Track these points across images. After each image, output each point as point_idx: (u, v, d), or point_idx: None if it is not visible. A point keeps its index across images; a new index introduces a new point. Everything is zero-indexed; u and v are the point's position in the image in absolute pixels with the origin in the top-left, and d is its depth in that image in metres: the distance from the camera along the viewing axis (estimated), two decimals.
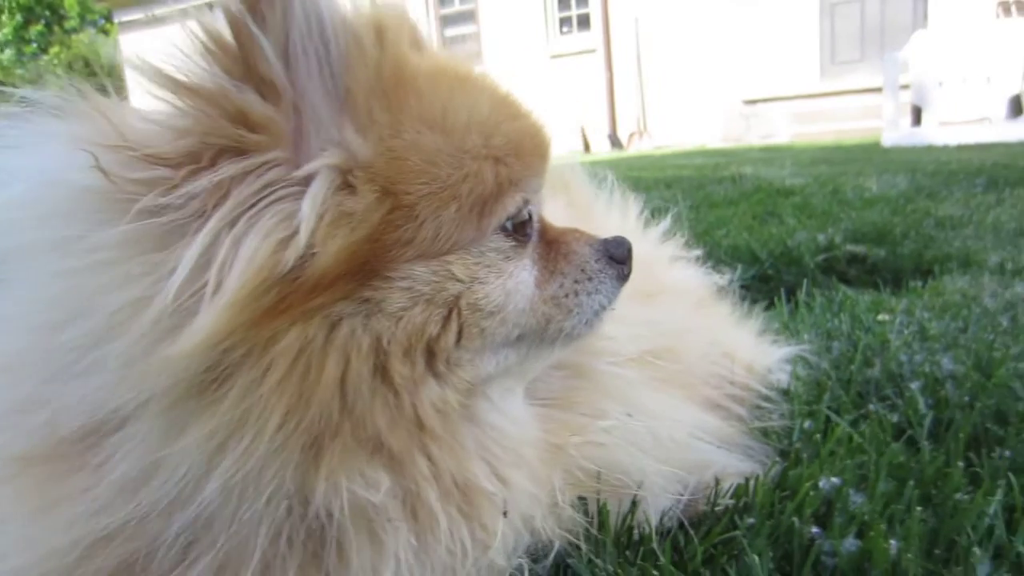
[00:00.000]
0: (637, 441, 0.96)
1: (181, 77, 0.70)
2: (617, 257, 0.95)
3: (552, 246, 0.92)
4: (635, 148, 14.71)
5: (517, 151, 0.85)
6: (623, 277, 0.96)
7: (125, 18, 18.45)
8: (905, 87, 8.83)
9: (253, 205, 0.68)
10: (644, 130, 15.19)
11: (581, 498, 0.92)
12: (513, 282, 0.84)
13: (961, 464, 1.09)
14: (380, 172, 0.71)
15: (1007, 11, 10.43)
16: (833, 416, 1.24)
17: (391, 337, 0.73)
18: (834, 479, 0.98)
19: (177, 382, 0.64)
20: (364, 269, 0.71)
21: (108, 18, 26.50)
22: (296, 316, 0.67)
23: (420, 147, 0.75)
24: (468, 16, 16.27)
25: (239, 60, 0.68)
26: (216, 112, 0.67)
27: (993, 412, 1.35)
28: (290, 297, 0.66)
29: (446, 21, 16.48)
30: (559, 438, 0.93)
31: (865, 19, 13.02)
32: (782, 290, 2.47)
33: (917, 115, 8.58)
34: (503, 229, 0.84)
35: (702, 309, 1.45)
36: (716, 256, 2.89)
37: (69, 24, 33.40)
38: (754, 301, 2.45)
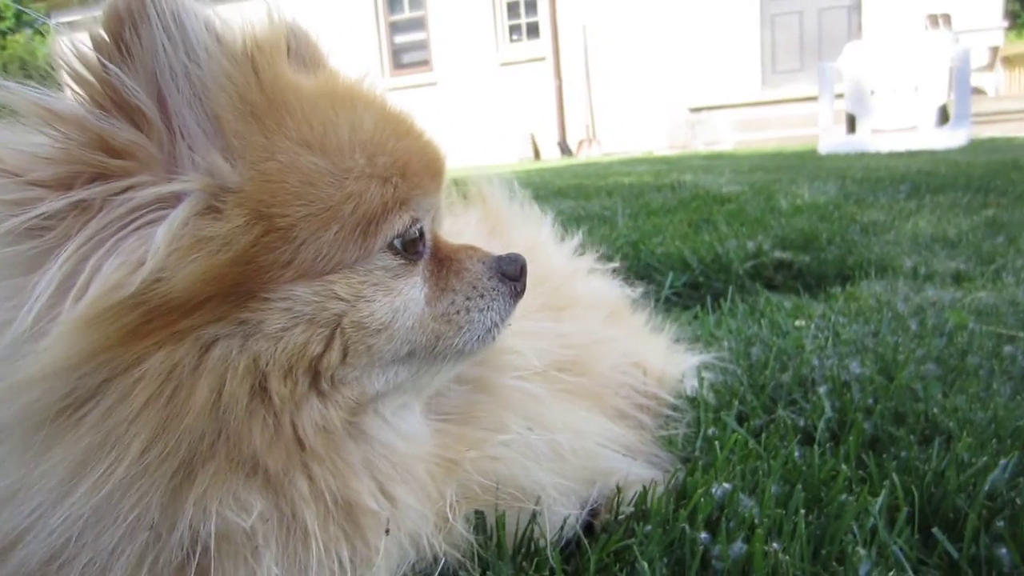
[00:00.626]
0: (535, 455, 0.98)
1: (50, 104, 0.69)
2: (510, 274, 0.96)
3: (444, 263, 0.93)
4: (584, 155, 14.88)
5: (404, 171, 0.85)
6: (517, 294, 0.97)
7: (65, 19, 17.93)
8: (840, 96, 9.13)
9: (121, 228, 0.67)
10: (593, 137, 15.38)
11: (478, 512, 0.93)
12: (401, 300, 0.85)
13: (853, 466, 1.14)
14: (251, 195, 0.71)
15: (935, 23, 10.89)
16: (732, 423, 1.27)
17: (271, 358, 0.73)
18: (726, 484, 1.00)
19: (35, 407, 0.63)
20: (238, 291, 0.71)
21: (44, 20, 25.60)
22: (162, 339, 0.66)
23: (297, 169, 0.75)
24: (417, 23, 16.25)
25: (103, 88, 0.68)
26: (79, 138, 0.67)
27: (892, 414, 1.40)
28: (154, 320, 0.65)
29: (395, 28, 16.43)
30: (455, 453, 0.93)
31: (804, 30, 13.46)
32: (708, 297, 2.53)
33: (852, 123, 8.88)
34: (391, 247, 0.84)
35: (615, 320, 1.47)
36: (650, 264, 2.95)
37: (4, 24, 32.23)
38: (685, 308, 2.51)
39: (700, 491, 0.99)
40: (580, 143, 15.49)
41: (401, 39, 16.44)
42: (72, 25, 0.87)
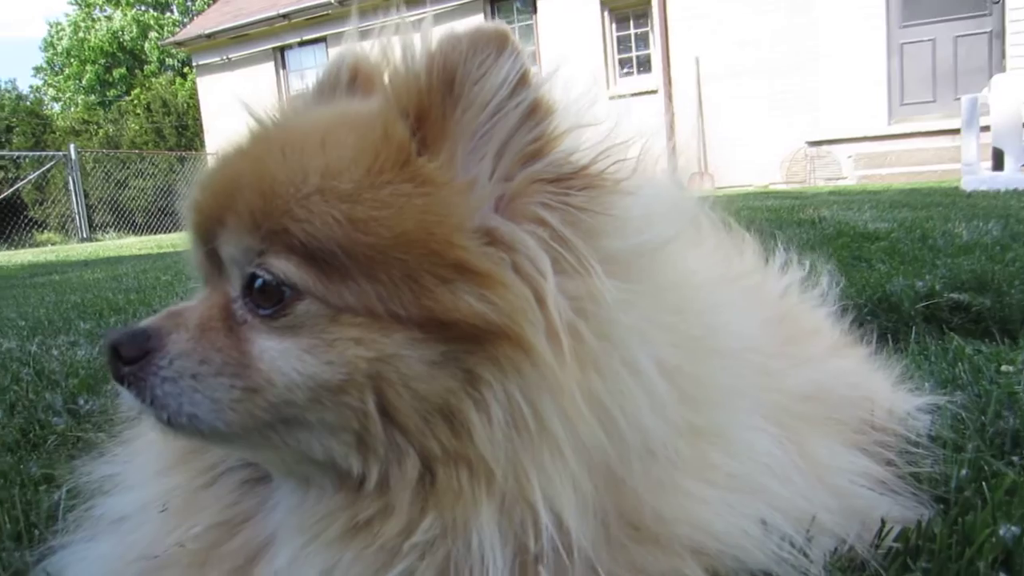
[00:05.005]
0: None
1: None
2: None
3: None
4: (696, 189, 14.67)
5: None
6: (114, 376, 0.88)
7: (202, 61, 19.47)
8: (985, 129, 8.65)
9: None
10: (705, 171, 15.17)
11: None
12: None
13: None
14: None
15: None
16: (995, 464, 1.24)
17: None
18: (1014, 528, 0.98)
19: None
20: None
21: (186, 62, 28.04)
22: None
23: None
24: (529, 58, 16.59)
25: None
26: None
27: None
28: None
29: None
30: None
31: (937, 59, 12.81)
32: (873, 338, 2.46)
33: (998, 159, 8.38)
34: None
35: (839, 352, 1.47)
36: None
37: (149, 69, 35.28)
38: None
39: (986, 532, 0.98)
40: (692, 177, 15.32)
41: None
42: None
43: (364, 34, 1.04)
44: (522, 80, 0.89)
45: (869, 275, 3.29)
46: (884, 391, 1.44)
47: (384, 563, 0.83)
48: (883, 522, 1.06)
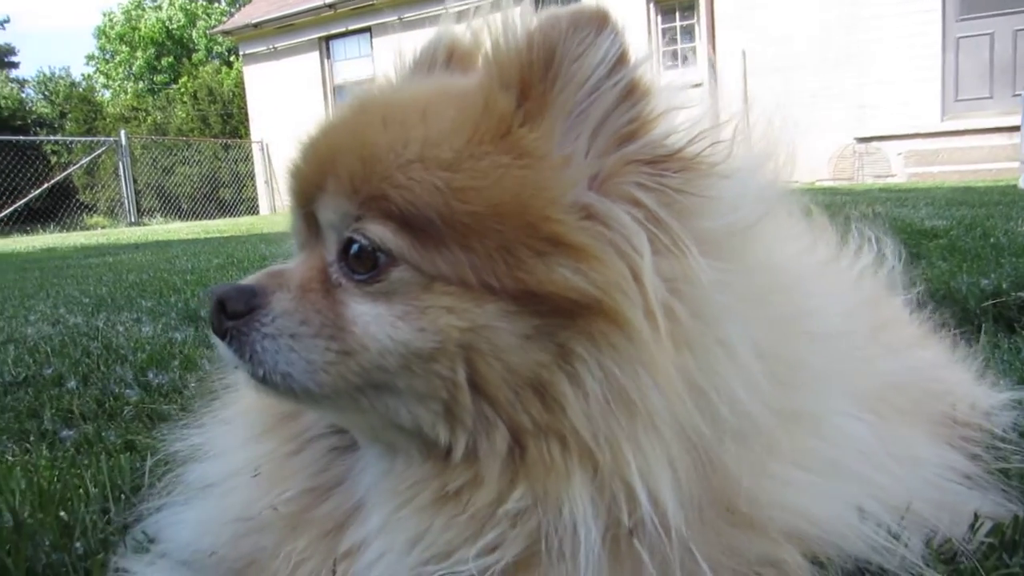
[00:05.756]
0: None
1: None
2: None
3: None
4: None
5: None
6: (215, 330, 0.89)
7: (249, 51, 19.76)
8: None
9: None
10: None
11: None
12: None
13: None
14: None
15: None
16: None
17: None
18: None
19: None
20: None
21: (233, 50, 28.54)
22: None
23: None
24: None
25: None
26: None
27: None
28: None
29: None
30: None
31: (995, 54, 12.39)
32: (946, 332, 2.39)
33: None
34: None
35: (920, 342, 1.44)
36: None
37: (196, 58, 35.93)
38: None
39: None
40: None
41: None
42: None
43: (459, 16, 1.05)
44: (620, 60, 0.88)
45: (930, 272, 3.21)
46: (966, 385, 1.41)
47: (475, 532, 0.84)
48: (976, 516, 1.04)
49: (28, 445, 1.62)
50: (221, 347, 0.89)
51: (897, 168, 13.00)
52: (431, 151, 0.84)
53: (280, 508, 0.97)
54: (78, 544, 1.15)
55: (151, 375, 2.16)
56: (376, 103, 0.97)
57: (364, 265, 0.85)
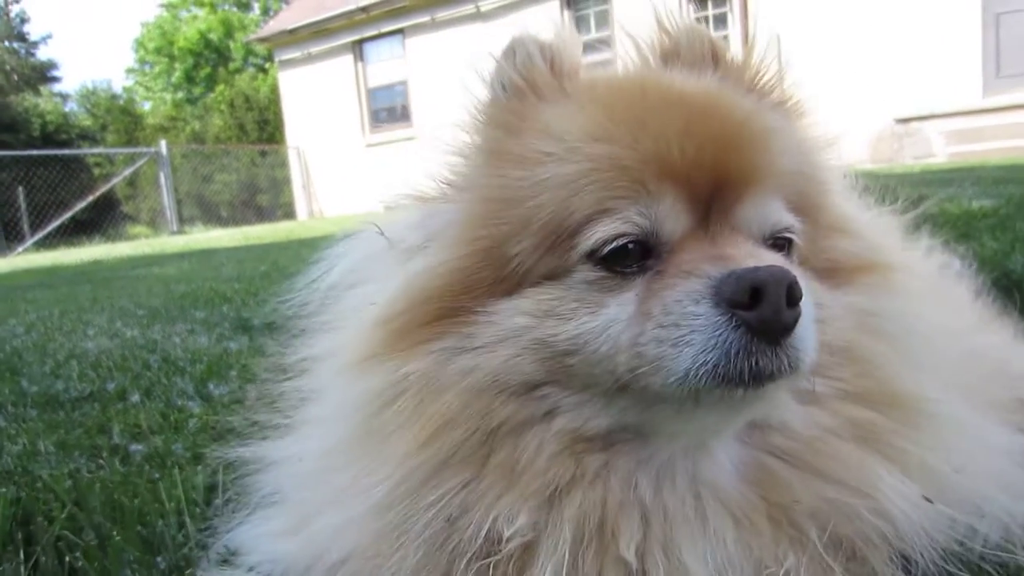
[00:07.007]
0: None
1: None
2: (731, 299, 0.75)
3: (665, 278, 0.80)
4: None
5: (606, 176, 0.82)
6: (750, 326, 0.74)
7: (284, 57, 20.01)
8: None
9: None
10: None
11: None
12: (599, 320, 0.79)
13: None
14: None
15: None
16: None
17: (485, 373, 0.82)
18: None
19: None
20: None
21: (268, 57, 28.96)
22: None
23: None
24: (602, 41, 16.40)
25: None
26: None
27: None
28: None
29: (584, 48, 16.67)
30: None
31: None
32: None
33: None
34: (592, 259, 0.80)
35: (985, 326, 1.41)
36: None
37: (233, 66, 36.52)
38: None
39: None
40: None
41: (589, 58, 16.64)
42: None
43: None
44: None
45: (982, 252, 3.13)
46: None
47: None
48: None
49: (102, 460, 1.68)
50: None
51: (938, 148, 12.65)
52: (808, 146, 1.19)
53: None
54: (159, 559, 1.19)
55: (211, 387, 2.22)
56: (727, 98, 1.08)
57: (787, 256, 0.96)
